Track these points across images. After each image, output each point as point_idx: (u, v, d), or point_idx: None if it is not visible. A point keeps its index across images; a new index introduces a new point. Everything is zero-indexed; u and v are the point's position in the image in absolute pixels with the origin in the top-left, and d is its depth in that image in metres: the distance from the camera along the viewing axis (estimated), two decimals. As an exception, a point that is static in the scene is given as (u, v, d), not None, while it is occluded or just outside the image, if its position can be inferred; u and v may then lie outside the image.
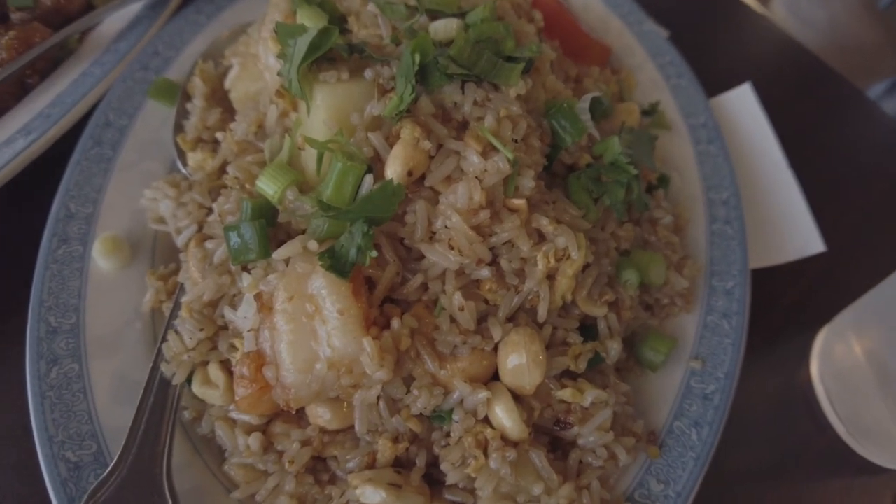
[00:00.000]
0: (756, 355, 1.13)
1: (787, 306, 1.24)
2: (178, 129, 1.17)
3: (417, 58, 0.77)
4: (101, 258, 1.01)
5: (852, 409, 1.08)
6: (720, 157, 1.23)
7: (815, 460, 1.08)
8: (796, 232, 1.24)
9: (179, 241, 1.01)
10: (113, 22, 1.36)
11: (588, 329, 0.93)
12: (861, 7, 2.39)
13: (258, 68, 1.06)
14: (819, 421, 1.10)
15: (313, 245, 0.76)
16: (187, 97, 1.19)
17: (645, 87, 1.34)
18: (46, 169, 1.14)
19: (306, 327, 0.74)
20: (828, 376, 1.12)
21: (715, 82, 1.40)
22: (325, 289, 0.73)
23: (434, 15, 0.92)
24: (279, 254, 0.78)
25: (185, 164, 1.12)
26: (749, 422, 1.09)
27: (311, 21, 0.93)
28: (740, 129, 1.37)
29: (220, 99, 1.18)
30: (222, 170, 1.05)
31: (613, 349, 0.91)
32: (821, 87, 1.62)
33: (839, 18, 2.37)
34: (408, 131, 0.76)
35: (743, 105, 1.40)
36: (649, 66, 1.37)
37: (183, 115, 1.18)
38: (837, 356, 1.13)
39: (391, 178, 0.78)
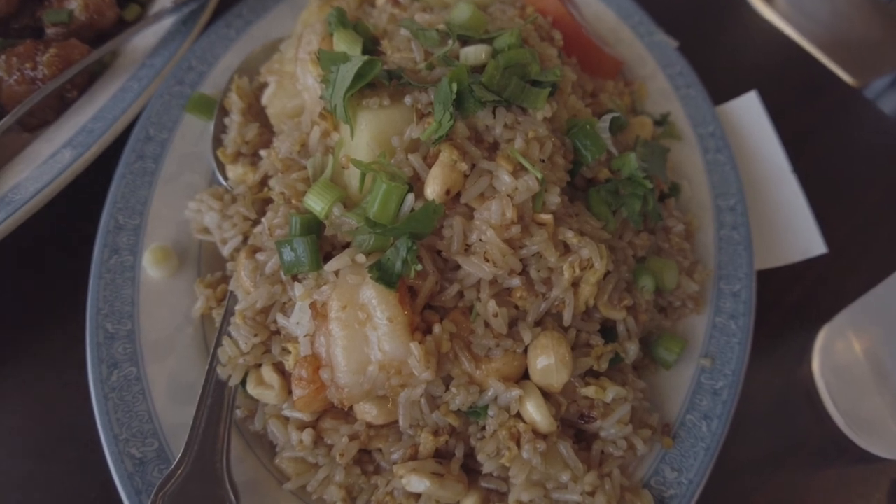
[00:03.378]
0: (761, 352, 1.16)
1: (791, 306, 1.27)
2: (217, 142, 1.19)
3: (455, 87, 0.81)
4: (151, 267, 1.04)
5: (851, 403, 1.12)
6: (728, 166, 1.25)
7: (816, 450, 1.12)
8: (799, 234, 1.25)
9: (225, 250, 1.05)
10: (144, 37, 1.37)
11: (608, 331, 0.97)
12: (865, 1, 2.39)
13: (294, 87, 1.09)
14: (820, 414, 1.14)
15: (361, 258, 0.81)
16: (224, 112, 1.22)
17: (656, 97, 1.36)
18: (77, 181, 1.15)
19: (359, 333, 0.78)
20: (828, 372, 1.16)
21: (722, 88, 1.41)
22: (374, 298, 0.78)
23: (463, 39, 0.95)
24: (330, 266, 0.82)
25: (224, 177, 1.15)
26: (754, 415, 1.12)
27: (347, 45, 0.97)
28: (746, 136, 1.38)
29: (256, 113, 1.20)
30: (263, 183, 1.08)
31: (632, 349, 0.95)
32: (824, 90, 1.64)
33: (843, 13, 2.33)
34: (446, 154, 0.81)
35: (749, 112, 1.41)
36: (660, 77, 1.38)
37: (221, 128, 1.20)
38: (837, 353, 1.16)
39: (432, 199, 0.82)
